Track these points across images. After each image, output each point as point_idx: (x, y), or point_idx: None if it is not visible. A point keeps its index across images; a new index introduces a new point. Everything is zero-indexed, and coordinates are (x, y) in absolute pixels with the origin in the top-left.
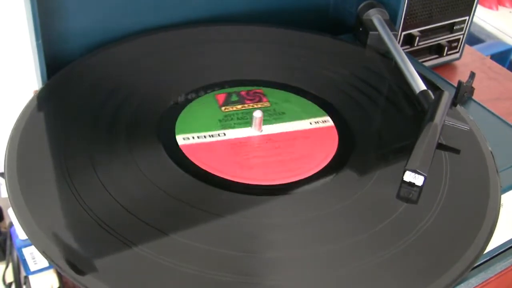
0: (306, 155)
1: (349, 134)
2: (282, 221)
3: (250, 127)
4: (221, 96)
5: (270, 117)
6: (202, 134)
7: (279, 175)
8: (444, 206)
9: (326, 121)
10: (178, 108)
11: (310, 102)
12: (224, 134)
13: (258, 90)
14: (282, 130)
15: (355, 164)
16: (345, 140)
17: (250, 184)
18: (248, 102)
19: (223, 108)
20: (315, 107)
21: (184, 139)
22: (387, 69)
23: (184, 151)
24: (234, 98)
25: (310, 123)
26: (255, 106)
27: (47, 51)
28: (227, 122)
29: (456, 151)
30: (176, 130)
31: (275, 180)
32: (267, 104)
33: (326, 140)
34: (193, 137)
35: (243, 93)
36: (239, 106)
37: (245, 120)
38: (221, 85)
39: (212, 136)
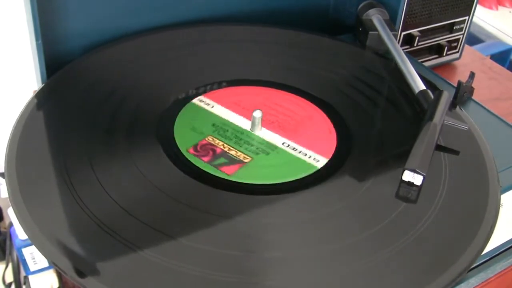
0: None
1: (348, 134)
2: (282, 221)
3: (255, 131)
4: (227, 169)
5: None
6: (295, 153)
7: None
8: (444, 206)
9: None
10: (177, 108)
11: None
12: (287, 143)
13: (202, 143)
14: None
15: (354, 164)
16: (344, 140)
17: (250, 184)
18: (218, 150)
19: (246, 160)
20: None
21: (315, 160)
22: (386, 69)
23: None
24: (221, 160)
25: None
26: (223, 143)
27: (47, 51)
28: (263, 150)
29: (456, 152)
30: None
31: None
32: (220, 143)
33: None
34: (308, 154)
35: (206, 159)
36: (232, 152)
37: (244, 139)
38: (220, 84)
39: (292, 146)
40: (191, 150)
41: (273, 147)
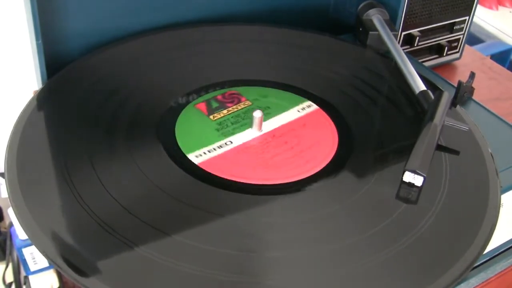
0: (314, 143)
1: (349, 134)
2: (282, 221)
3: (250, 128)
4: (201, 105)
5: None
6: (211, 147)
7: (302, 169)
8: (444, 206)
9: (311, 106)
10: (177, 108)
11: (287, 92)
12: (231, 142)
13: (232, 92)
14: (278, 124)
15: (355, 164)
16: (345, 140)
17: (250, 184)
18: (230, 105)
19: (211, 117)
20: (294, 96)
21: (197, 156)
22: (387, 69)
23: (203, 167)
24: (214, 104)
25: (298, 111)
26: (240, 108)
27: (47, 51)
28: (224, 129)
29: (456, 152)
30: (185, 149)
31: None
32: (248, 103)
33: (322, 126)
34: (205, 153)
35: (219, 97)
36: (224, 111)
37: (240, 123)
38: (221, 85)
39: (221, 146)
40: (220, 97)
41: (227, 135)
